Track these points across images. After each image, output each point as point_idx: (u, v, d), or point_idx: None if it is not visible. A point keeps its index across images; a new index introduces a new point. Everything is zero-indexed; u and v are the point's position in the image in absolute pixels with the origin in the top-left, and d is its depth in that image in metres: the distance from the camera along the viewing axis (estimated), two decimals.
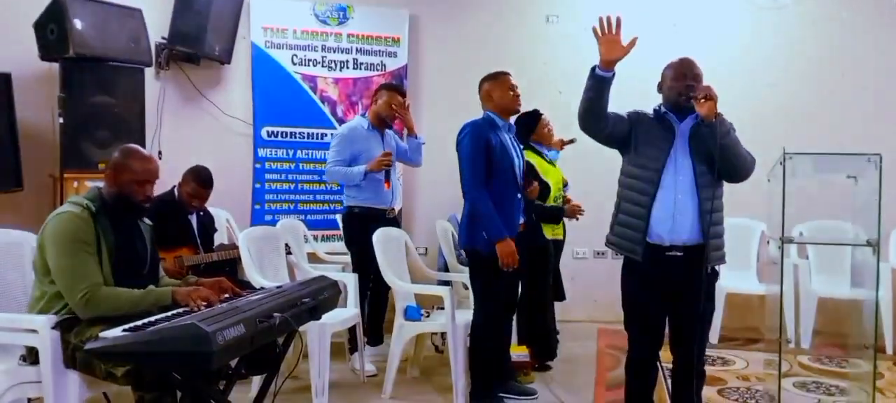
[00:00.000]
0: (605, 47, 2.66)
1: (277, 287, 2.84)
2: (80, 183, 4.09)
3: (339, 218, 5.15)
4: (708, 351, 3.03)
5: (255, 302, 2.38)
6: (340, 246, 5.13)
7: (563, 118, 4.33)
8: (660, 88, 2.89)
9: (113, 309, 2.39)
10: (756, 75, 5.44)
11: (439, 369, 4.19)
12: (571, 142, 4.24)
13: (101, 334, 2.12)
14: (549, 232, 4.15)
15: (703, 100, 2.67)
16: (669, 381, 3.06)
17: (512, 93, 3.46)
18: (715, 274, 2.91)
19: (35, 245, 2.73)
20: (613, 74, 2.69)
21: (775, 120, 5.21)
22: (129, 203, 2.59)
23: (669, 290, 2.80)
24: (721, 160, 2.71)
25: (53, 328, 2.39)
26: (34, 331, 2.40)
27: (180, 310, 2.41)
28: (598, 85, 2.69)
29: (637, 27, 4.72)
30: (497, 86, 3.45)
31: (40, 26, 4.16)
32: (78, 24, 4.09)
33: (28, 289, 2.70)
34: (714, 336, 4.78)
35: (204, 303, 2.44)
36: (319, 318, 2.79)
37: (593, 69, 2.69)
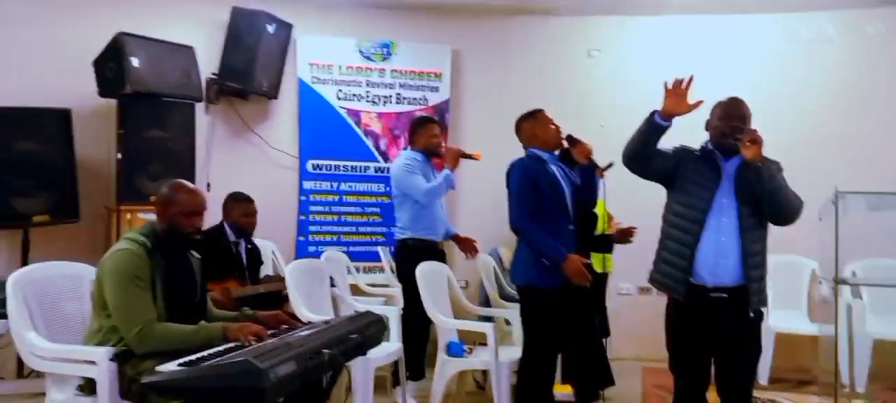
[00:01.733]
0: (672, 101, 2.70)
1: (325, 321, 2.87)
2: (133, 215, 4.22)
3: (380, 250, 5.21)
4: (758, 393, 2.98)
5: (305, 337, 2.41)
6: (382, 278, 5.18)
7: (605, 151, 4.32)
8: (707, 126, 2.88)
9: (166, 345, 2.45)
10: (804, 111, 5.34)
11: None
12: (609, 166, 4.21)
13: (158, 368, 2.16)
14: (600, 264, 4.12)
15: (748, 144, 2.66)
16: None
17: (552, 127, 3.49)
18: (759, 315, 2.86)
19: (92, 277, 2.84)
20: (670, 125, 2.72)
21: (825, 156, 5.08)
22: (178, 235, 2.67)
23: (713, 332, 2.77)
24: (767, 205, 2.69)
25: (111, 360, 2.45)
26: (93, 363, 2.46)
27: (233, 346, 2.45)
28: (654, 131, 2.72)
29: (685, 62, 4.73)
30: (537, 124, 3.49)
31: (100, 64, 4.34)
32: (134, 61, 4.25)
33: (85, 320, 2.78)
34: (763, 376, 4.65)
35: (254, 339, 2.48)
36: (365, 354, 2.80)
37: (652, 115, 2.72)
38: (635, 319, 5.25)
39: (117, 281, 2.50)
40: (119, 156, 4.21)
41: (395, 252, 4.46)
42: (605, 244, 4.14)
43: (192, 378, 2.07)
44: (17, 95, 4.11)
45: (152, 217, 2.79)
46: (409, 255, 4.21)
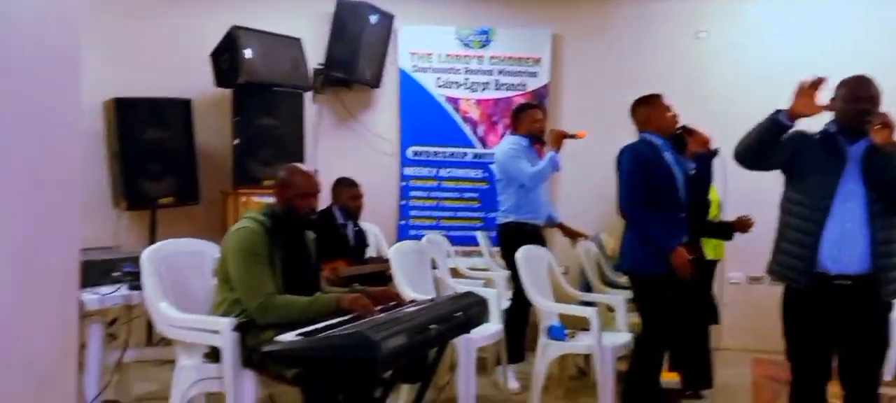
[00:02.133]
0: (802, 103, 2.58)
1: (430, 300, 2.94)
2: (247, 198, 4.47)
3: (479, 235, 5.25)
4: (885, 390, 2.79)
5: (412, 313, 2.48)
6: (481, 262, 5.22)
7: (716, 135, 4.18)
8: (831, 106, 2.72)
9: (285, 316, 2.58)
10: None
11: (584, 391, 4.13)
12: (716, 153, 4.08)
13: (277, 338, 2.29)
14: (712, 251, 4.01)
15: (878, 128, 2.49)
16: None
17: (669, 114, 3.40)
18: (888, 307, 2.68)
19: (214, 254, 3.03)
20: (794, 126, 2.62)
21: None
22: (295, 216, 2.80)
23: (837, 322, 2.62)
24: None
25: (234, 330, 2.62)
26: (217, 332, 2.63)
27: (346, 318, 2.55)
28: (777, 131, 2.62)
29: (797, 40, 4.48)
30: (654, 108, 3.40)
31: (216, 56, 4.60)
32: (247, 53, 4.48)
33: (209, 293, 2.97)
34: (888, 372, 4.35)
35: (365, 310, 2.58)
36: (469, 332, 2.85)
37: (776, 115, 2.61)
38: (745, 309, 5.06)
39: (240, 256, 2.66)
40: (235, 142, 4.45)
41: (498, 236, 4.49)
42: (721, 231, 4.02)
43: (309, 348, 2.19)
44: (144, 87, 4.43)
45: (267, 199, 2.95)
46: (512, 239, 4.23)
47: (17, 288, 1.30)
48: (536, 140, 4.36)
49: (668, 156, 3.40)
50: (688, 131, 3.67)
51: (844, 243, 2.58)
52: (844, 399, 2.70)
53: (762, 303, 4.63)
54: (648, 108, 3.41)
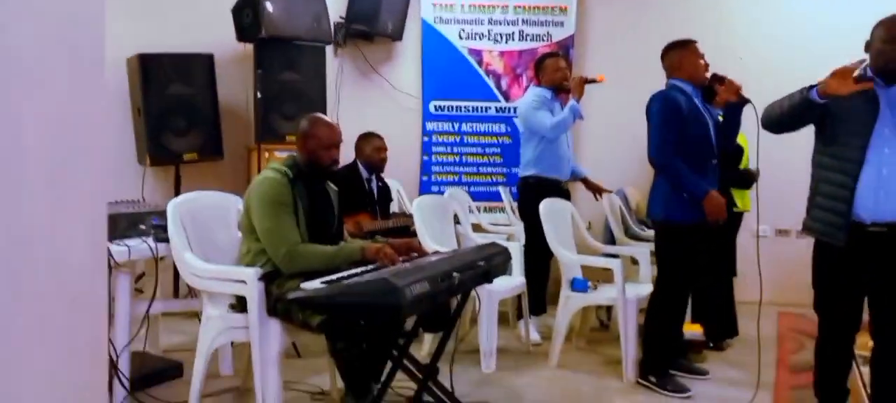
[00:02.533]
0: (838, 81, 2.48)
1: (452, 251, 2.94)
2: (270, 153, 4.48)
3: (501, 190, 5.24)
4: None
5: (436, 262, 2.49)
6: (503, 217, 5.22)
7: (745, 85, 4.08)
8: (867, 47, 2.63)
9: (310, 265, 2.61)
10: None
11: (605, 342, 4.14)
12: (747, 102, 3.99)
13: (303, 285, 2.31)
14: (740, 202, 3.95)
15: None
16: (864, 368, 2.81)
17: (702, 62, 3.32)
18: None
19: (238, 207, 3.06)
20: (827, 103, 2.54)
21: None
22: (318, 167, 2.80)
23: (869, 270, 2.57)
24: None
25: (259, 279, 2.64)
26: (243, 282, 2.66)
27: (370, 267, 2.57)
28: (808, 108, 2.55)
29: None
30: (687, 55, 3.32)
31: (238, 11, 4.58)
32: (269, 7, 4.45)
33: (234, 245, 3.01)
34: None
35: (389, 260, 2.59)
36: (491, 282, 2.86)
37: (808, 92, 2.54)
38: (772, 262, 4.97)
39: (264, 206, 2.68)
40: (257, 96, 4.45)
41: (518, 189, 4.46)
42: (746, 180, 3.96)
43: (334, 294, 2.21)
44: (166, 43, 4.43)
45: (292, 152, 2.95)
46: (531, 193, 4.20)
47: (48, 195, 1.34)
48: (561, 90, 4.28)
49: (699, 103, 3.34)
50: (718, 79, 3.58)
51: (881, 190, 2.51)
52: (874, 349, 2.67)
53: (788, 257, 4.58)
54: (681, 54, 3.33)
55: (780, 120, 2.64)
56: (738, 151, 3.85)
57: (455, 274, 2.38)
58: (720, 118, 3.54)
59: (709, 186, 3.18)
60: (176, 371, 3.42)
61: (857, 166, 2.54)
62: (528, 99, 4.35)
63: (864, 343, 2.77)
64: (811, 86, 2.57)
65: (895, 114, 2.53)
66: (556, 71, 4.26)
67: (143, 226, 3.14)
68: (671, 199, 3.23)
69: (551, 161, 4.24)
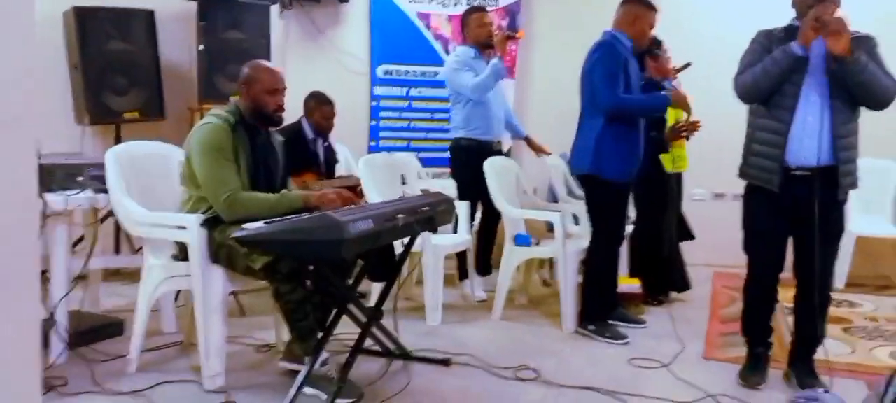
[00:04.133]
0: (834, 39, 2.50)
1: (398, 197, 2.98)
2: None
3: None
4: (834, 295, 2.91)
5: (380, 205, 2.53)
6: (452, 183, 5.25)
7: (680, 49, 4.21)
8: (794, 2, 2.75)
9: (251, 212, 2.58)
10: None
11: (547, 299, 4.25)
12: (687, 66, 4.12)
13: (245, 226, 2.31)
14: (670, 164, 4.08)
15: (833, 36, 2.49)
16: (790, 317, 2.97)
17: (651, 28, 3.40)
18: (844, 198, 2.77)
19: (180, 158, 3.02)
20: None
21: None
22: (262, 113, 2.78)
23: (795, 212, 2.70)
24: (859, 95, 2.60)
25: (201, 225, 2.63)
26: (184, 228, 2.65)
27: (314, 212, 2.58)
28: (793, 64, 2.60)
29: None
30: (644, 15, 3.38)
31: None
32: None
33: (176, 197, 2.97)
34: (840, 280, 4.55)
35: (333, 205, 2.61)
36: (436, 230, 2.90)
37: (793, 48, 2.58)
38: (708, 225, 5.17)
39: (205, 152, 2.65)
40: (200, 48, 4.36)
41: (450, 152, 4.40)
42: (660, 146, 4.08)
43: (276, 232, 2.21)
44: None
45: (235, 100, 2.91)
46: (462, 156, 4.22)
47: None
48: (487, 47, 4.19)
49: (634, 62, 3.44)
50: (654, 55, 3.67)
51: (806, 136, 2.64)
52: (797, 289, 2.81)
53: (724, 219, 4.75)
54: (638, 11, 3.38)
55: (770, 86, 2.66)
56: (662, 121, 3.98)
57: (399, 215, 2.42)
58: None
59: (633, 160, 3.33)
60: (116, 329, 3.36)
61: (790, 114, 2.65)
62: (449, 60, 4.32)
63: (788, 297, 2.92)
64: (783, 40, 2.63)
65: (821, 63, 2.64)
66: (481, 27, 4.19)
67: (80, 178, 3.06)
68: (598, 153, 3.31)
69: (481, 122, 4.19)
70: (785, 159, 2.67)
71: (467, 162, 4.07)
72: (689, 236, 4.38)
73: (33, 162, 1.51)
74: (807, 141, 2.64)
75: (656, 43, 4.12)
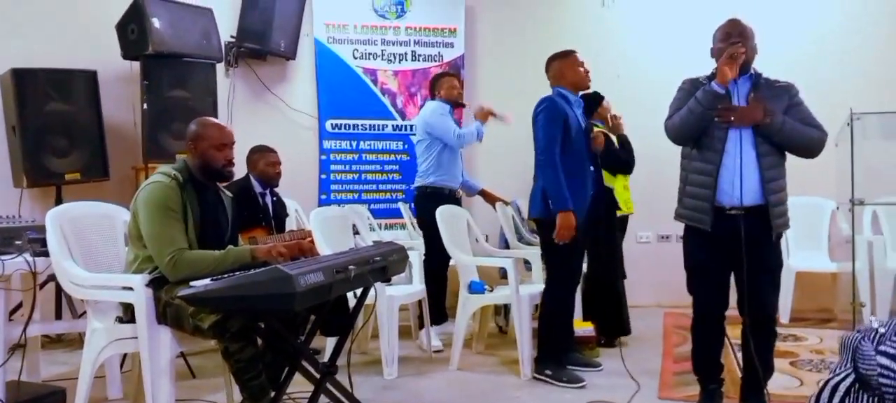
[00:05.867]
0: (730, 66, 2.68)
1: (350, 248, 2.96)
2: None
3: (401, 206, 5.29)
4: (779, 329, 3.00)
5: (331, 257, 2.51)
6: (404, 233, 5.26)
7: (622, 102, 4.38)
8: (712, 53, 2.89)
9: (197, 270, 2.53)
10: (824, 45, 5.31)
11: (503, 345, 4.25)
12: (614, 117, 4.31)
13: (192, 283, 2.26)
14: (625, 206, 4.21)
15: (754, 110, 2.69)
16: (740, 353, 3.03)
17: (582, 69, 3.54)
18: (779, 236, 2.88)
19: (125, 218, 2.95)
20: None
21: (846, 86, 5.00)
22: (212, 169, 2.75)
23: (732, 250, 2.79)
24: (786, 147, 2.78)
25: (147, 285, 2.56)
26: (130, 288, 2.57)
27: (262, 266, 2.54)
28: (714, 102, 2.72)
29: (693, 7, 4.68)
30: (568, 64, 3.55)
31: (122, 27, 4.44)
32: (156, 22, 4.35)
33: (120, 258, 2.90)
34: (784, 315, 4.69)
35: (282, 259, 2.57)
36: (389, 280, 2.89)
37: (712, 87, 2.71)
38: (655, 266, 5.30)
39: (150, 211, 2.60)
40: (144, 107, 4.31)
41: (414, 199, 4.57)
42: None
43: (225, 287, 2.18)
44: (47, 58, 4.24)
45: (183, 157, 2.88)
46: (428, 202, 4.31)
47: None
48: (457, 105, 4.53)
49: (579, 112, 3.55)
50: (598, 100, 3.85)
51: (736, 178, 2.75)
52: (743, 325, 2.88)
53: (670, 261, 4.88)
54: (562, 64, 3.55)
55: (694, 125, 2.77)
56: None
57: (351, 266, 2.40)
58: (597, 129, 3.79)
59: (580, 201, 3.37)
60: (59, 398, 3.18)
61: (719, 156, 2.77)
62: (431, 107, 4.49)
63: (736, 333, 2.99)
64: (705, 83, 2.76)
65: (742, 105, 2.79)
66: (452, 88, 4.54)
67: (18, 242, 2.96)
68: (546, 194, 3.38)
69: (448, 170, 4.42)
70: (717, 198, 2.78)
71: (435, 207, 4.13)
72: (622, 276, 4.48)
73: None
74: (736, 181, 2.76)
75: (598, 98, 4.28)
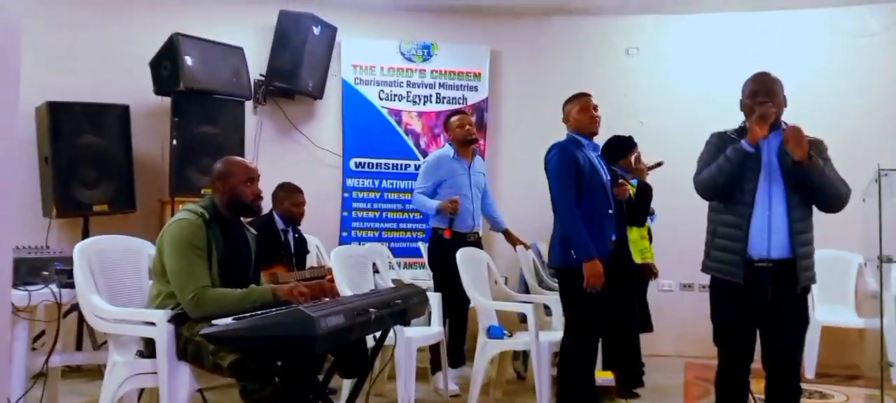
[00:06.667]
0: (761, 126, 2.69)
1: (370, 291, 2.97)
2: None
3: (421, 246, 5.29)
4: (804, 386, 2.93)
5: (352, 298, 2.51)
6: (423, 273, 5.26)
7: (645, 150, 4.38)
8: (741, 107, 2.90)
9: (219, 308, 2.53)
10: (847, 99, 5.28)
11: (522, 393, 4.20)
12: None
13: (213, 321, 2.28)
14: (639, 255, 4.15)
15: (791, 145, 2.66)
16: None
17: (590, 113, 3.50)
18: (806, 290, 2.84)
19: (150, 252, 2.99)
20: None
21: (870, 142, 4.96)
22: (241, 204, 2.79)
23: (760, 303, 2.76)
24: (816, 197, 2.75)
25: (169, 321, 2.58)
26: (152, 324, 2.60)
27: (283, 306, 2.55)
28: (744, 160, 2.73)
29: (724, 59, 4.70)
30: (575, 106, 3.52)
31: (156, 63, 4.56)
32: (188, 60, 4.46)
33: (143, 292, 2.93)
34: (810, 371, 4.59)
35: (303, 299, 2.58)
36: (409, 323, 2.90)
37: (742, 146, 2.72)
38: (677, 316, 5.23)
39: (175, 248, 2.63)
40: (173, 142, 4.39)
41: (429, 242, 4.58)
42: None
43: (246, 328, 2.19)
44: (81, 92, 4.36)
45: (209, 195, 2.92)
46: (438, 246, 4.33)
47: None
48: (467, 143, 4.49)
49: (592, 154, 3.51)
50: (634, 163, 3.88)
51: (766, 231, 2.74)
52: (767, 379, 2.83)
53: (693, 310, 4.82)
54: (571, 106, 3.52)
55: (726, 183, 2.77)
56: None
57: (371, 309, 2.41)
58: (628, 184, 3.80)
59: (600, 246, 3.30)
60: None
61: (750, 209, 2.76)
62: (430, 156, 4.62)
63: (760, 387, 2.93)
64: (735, 140, 2.76)
65: (775, 161, 2.78)
66: (460, 127, 4.50)
67: (45, 273, 3.01)
68: (568, 247, 3.33)
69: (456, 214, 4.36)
70: (748, 252, 2.75)
71: (443, 251, 4.13)
72: (648, 328, 4.41)
73: (8, 258, 1.49)
74: (766, 234, 2.74)
75: (630, 143, 4.29)
